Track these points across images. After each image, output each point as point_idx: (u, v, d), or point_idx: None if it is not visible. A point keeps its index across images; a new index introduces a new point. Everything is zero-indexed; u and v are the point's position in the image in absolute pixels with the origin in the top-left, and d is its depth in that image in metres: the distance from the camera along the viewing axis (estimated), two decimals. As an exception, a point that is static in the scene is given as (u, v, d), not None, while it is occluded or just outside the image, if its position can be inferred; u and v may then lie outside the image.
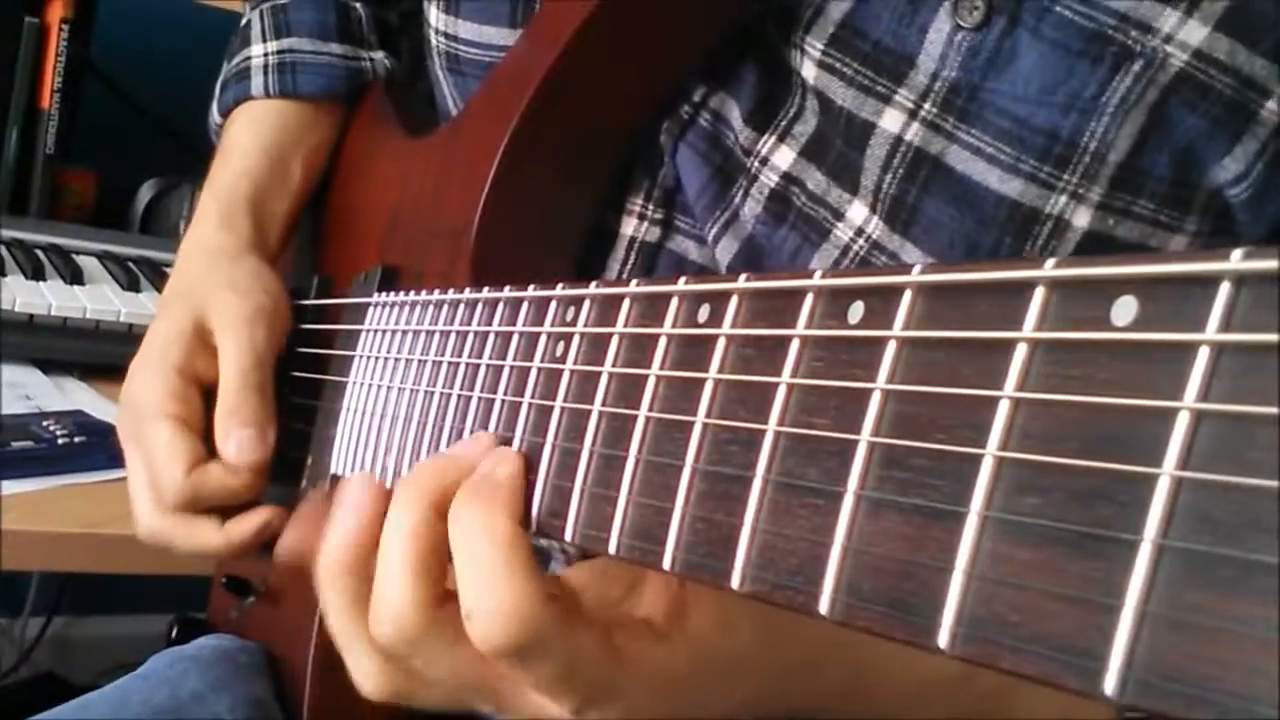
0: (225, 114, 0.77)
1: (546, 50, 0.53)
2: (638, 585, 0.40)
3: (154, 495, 0.62)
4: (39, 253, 1.17)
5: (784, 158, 0.53)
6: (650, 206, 0.57)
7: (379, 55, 0.78)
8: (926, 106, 0.49)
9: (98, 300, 1.10)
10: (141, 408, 0.62)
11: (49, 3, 1.33)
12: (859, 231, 0.51)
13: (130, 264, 1.21)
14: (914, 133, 0.49)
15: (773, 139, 0.54)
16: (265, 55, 0.75)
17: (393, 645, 0.38)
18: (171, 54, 1.50)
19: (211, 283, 0.66)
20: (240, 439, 0.61)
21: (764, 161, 0.54)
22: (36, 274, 1.12)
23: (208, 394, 0.63)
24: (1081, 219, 0.47)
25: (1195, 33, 0.44)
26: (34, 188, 1.34)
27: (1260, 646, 0.18)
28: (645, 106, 0.56)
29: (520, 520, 0.37)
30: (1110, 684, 0.20)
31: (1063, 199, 0.47)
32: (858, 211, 0.51)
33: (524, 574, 0.35)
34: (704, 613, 0.38)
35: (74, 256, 1.19)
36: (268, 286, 0.67)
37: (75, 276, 1.14)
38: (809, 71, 0.52)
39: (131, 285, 1.17)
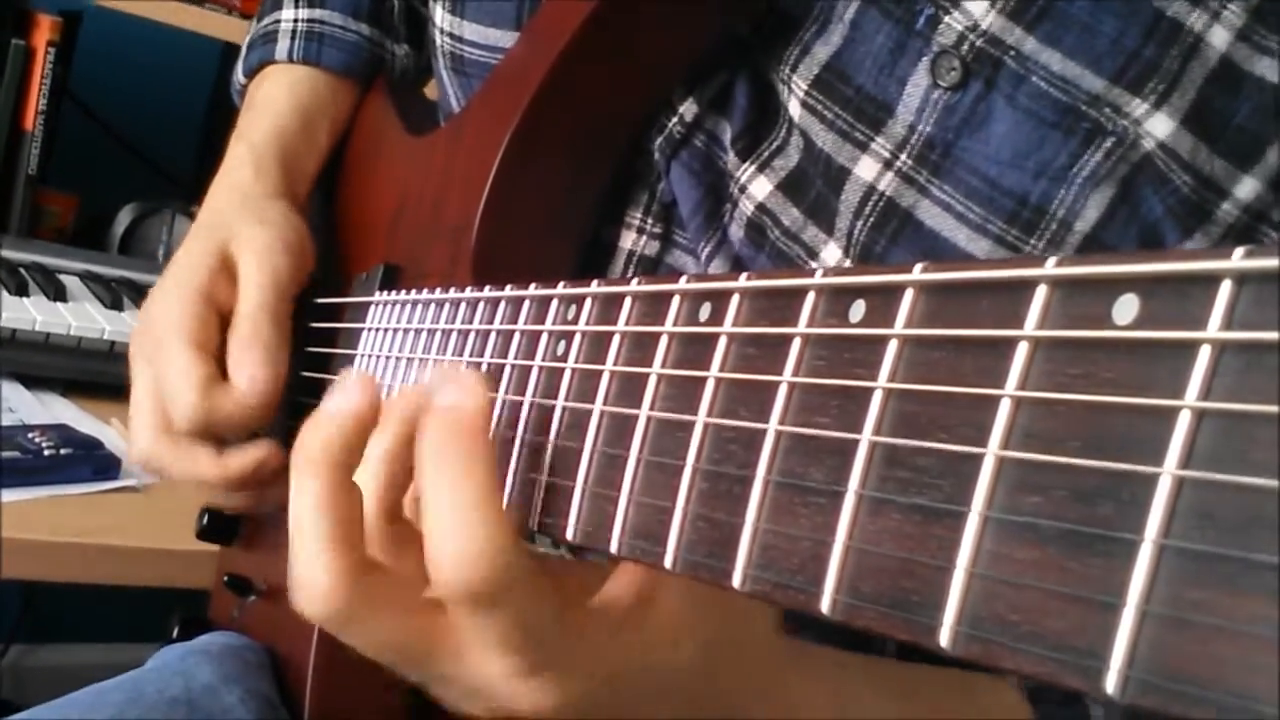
0: (250, 74, 0.78)
1: (547, 50, 0.53)
2: (607, 576, 0.39)
3: (157, 418, 0.62)
4: (22, 270, 1.17)
5: (761, 188, 0.53)
6: (649, 221, 0.57)
7: (401, 50, 0.79)
8: (902, 158, 0.49)
9: (81, 318, 1.11)
10: (159, 328, 0.62)
11: (35, 26, 1.33)
12: None
13: (112, 284, 1.22)
14: (888, 183, 0.49)
15: (753, 168, 0.54)
16: (295, 21, 0.76)
17: (326, 621, 0.37)
18: (151, 81, 1.50)
19: (241, 217, 0.67)
20: (253, 369, 0.61)
21: (743, 189, 0.54)
22: (20, 290, 1.12)
23: (227, 325, 0.64)
24: None
25: (1162, 125, 0.45)
26: (15, 208, 1.35)
27: (1261, 645, 0.18)
28: (645, 106, 0.56)
29: (493, 465, 0.35)
30: (1111, 683, 0.20)
31: None
32: (832, 253, 0.52)
33: (500, 518, 0.34)
34: (659, 625, 0.38)
35: (57, 275, 1.19)
36: (296, 225, 0.68)
37: (59, 294, 1.15)
38: (794, 109, 0.52)
39: (114, 304, 1.17)
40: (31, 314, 1.07)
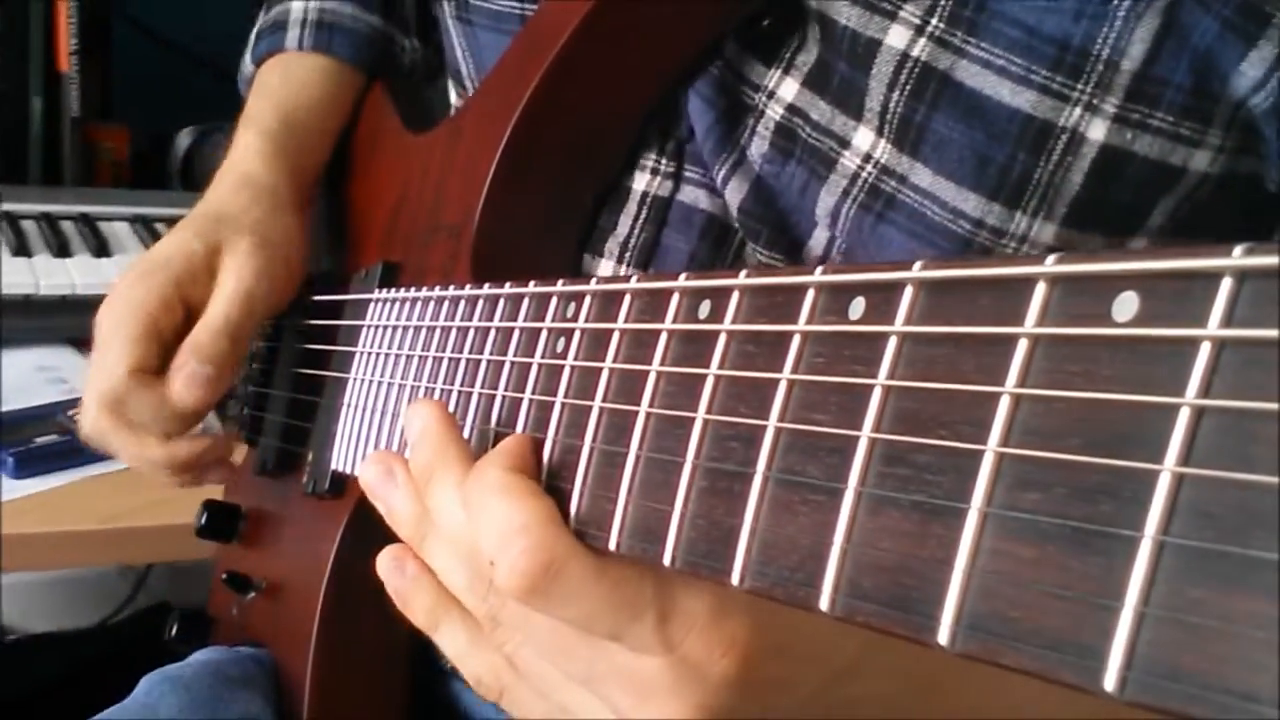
0: (258, 62, 0.78)
1: (546, 47, 0.53)
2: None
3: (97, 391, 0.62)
4: (67, 225, 1.16)
5: (789, 90, 0.53)
6: (663, 160, 0.56)
7: (412, 44, 0.79)
8: (934, 21, 0.47)
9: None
10: (123, 305, 0.62)
11: (57, -37, 1.28)
12: (866, 158, 0.50)
13: (162, 225, 1.19)
14: (921, 48, 0.47)
15: (778, 72, 0.53)
16: (305, 10, 0.76)
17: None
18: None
19: (245, 220, 0.66)
20: (193, 374, 0.60)
21: (771, 95, 0.53)
22: (63, 251, 1.12)
23: (192, 320, 0.64)
24: (1097, 132, 0.46)
25: None
26: (65, 154, 1.31)
27: (1261, 644, 0.18)
28: (645, 102, 0.55)
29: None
30: (1110, 681, 0.20)
31: (1077, 111, 0.46)
32: (864, 137, 0.50)
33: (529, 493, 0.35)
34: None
35: (101, 225, 1.18)
36: (290, 253, 0.67)
37: (103, 249, 1.13)
38: None
39: None
40: (73, 278, 1.06)
